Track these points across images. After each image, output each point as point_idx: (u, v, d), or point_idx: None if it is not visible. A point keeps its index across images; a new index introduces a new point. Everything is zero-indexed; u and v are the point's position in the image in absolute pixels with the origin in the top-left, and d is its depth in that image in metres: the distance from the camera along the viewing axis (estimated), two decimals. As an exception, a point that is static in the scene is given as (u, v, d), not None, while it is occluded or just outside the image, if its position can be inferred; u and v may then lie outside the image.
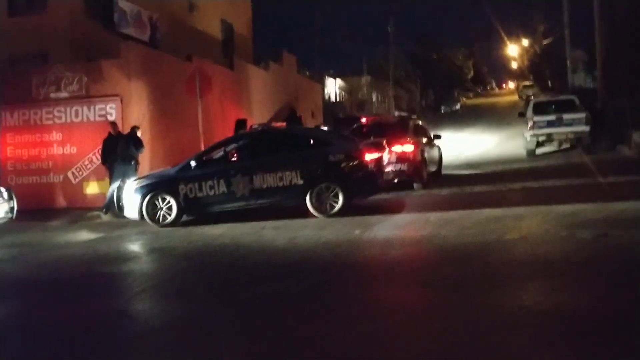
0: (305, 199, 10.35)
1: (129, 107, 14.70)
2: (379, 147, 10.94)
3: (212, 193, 10.65)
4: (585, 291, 5.25)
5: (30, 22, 16.85)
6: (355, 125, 15.51)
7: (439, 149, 16.12)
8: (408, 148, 12.93)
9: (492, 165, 17.97)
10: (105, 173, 13.63)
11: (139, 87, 14.99)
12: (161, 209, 10.82)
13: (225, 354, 4.55)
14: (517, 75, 72.08)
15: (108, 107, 14.63)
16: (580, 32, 29.96)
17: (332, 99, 43.61)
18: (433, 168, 15.00)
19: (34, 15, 17.05)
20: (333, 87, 45.42)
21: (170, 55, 16.62)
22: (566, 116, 19.16)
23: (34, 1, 17.45)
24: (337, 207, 10.24)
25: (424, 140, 14.53)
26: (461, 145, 25.74)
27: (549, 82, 48.01)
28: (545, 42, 43.77)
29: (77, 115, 14.82)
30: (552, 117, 19.29)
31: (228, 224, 10.48)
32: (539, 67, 50.92)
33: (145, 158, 13.99)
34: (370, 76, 49.54)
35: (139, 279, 7.44)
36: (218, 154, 11.38)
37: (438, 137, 16.11)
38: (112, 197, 12.76)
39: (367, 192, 10.92)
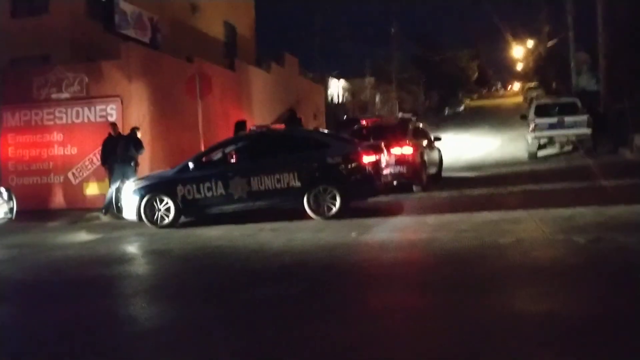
0: (303, 201, 10.35)
1: (130, 108, 14.73)
2: (377, 150, 10.93)
3: (210, 195, 10.67)
4: (581, 294, 5.25)
5: (32, 23, 16.94)
6: (354, 127, 15.51)
7: (439, 151, 16.11)
8: (407, 150, 12.93)
9: (493, 168, 17.97)
10: (105, 174, 13.66)
11: (140, 88, 15.02)
12: (159, 210, 10.86)
13: (225, 354, 4.55)
14: (522, 77, 71.99)
15: (108, 108, 14.68)
16: (584, 34, 29.90)
17: (335, 100, 43.58)
18: (433, 170, 15.00)
19: (35, 17, 17.15)
20: (336, 88, 45.40)
21: (171, 56, 16.65)
22: (568, 119, 19.15)
23: (36, 3, 17.55)
24: (335, 209, 10.24)
25: (424, 142, 14.52)
26: (463, 147, 25.73)
27: (554, 84, 47.91)
28: (549, 43, 43.69)
29: (77, 116, 14.87)
30: (553, 120, 19.29)
31: (226, 225, 10.49)
32: (544, 69, 50.83)
33: (145, 159, 14.02)
34: (373, 77, 49.50)
35: (137, 280, 7.45)
36: (216, 155, 11.41)
37: (438, 139, 16.10)
38: (111, 198, 12.79)
39: (365, 194, 10.91)
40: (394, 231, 9.14)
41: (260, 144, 11.36)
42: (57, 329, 5.49)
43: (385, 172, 11.20)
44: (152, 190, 10.91)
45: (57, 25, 16.69)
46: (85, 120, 14.80)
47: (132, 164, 12.93)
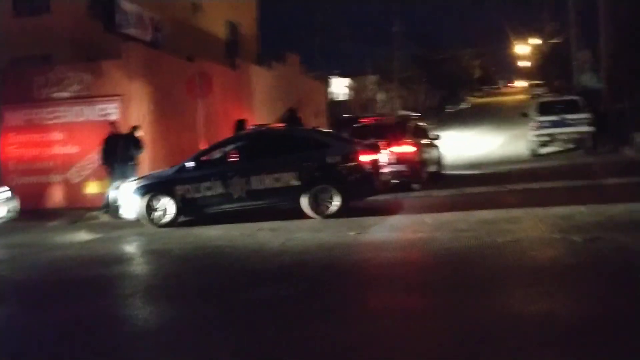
0: (302, 200, 10.35)
1: (130, 107, 14.75)
2: (376, 149, 10.92)
3: (209, 194, 10.67)
4: (580, 294, 5.25)
5: (33, 23, 16.97)
6: (354, 126, 15.51)
7: (439, 149, 16.10)
8: (407, 149, 12.94)
9: (494, 166, 17.96)
10: (105, 173, 13.68)
11: (140, 88, 15.04)
12: (158, 209, 10.86)
13: (225, 354, 4.55)
14: (525, 75, 71.86)
15: (109, 108, 14.70)
16: (586, 32, 29.88)
17: (337, 99, 43.55)
18: (433, 169, 14.99)
19: (36, 16, 17.18)
20: (338, 87, 45.38)
21: (172, 56, 16.66)
22: (569, 117, 19.15)
23: (37, 2, 17.58)
24: (334, 208, 10.24)
25: (424, 140, 14.52)
26: (464, 145, 25.70)
27: (556, 82, 47.82)
28: (552, 41, 43.60)
29: (78, 115, 14.91)
30: (555, 118, 19.29)
31: (225, 225, 10.49)
32: (546, 67, 50.74)
33: (146, 158, 14.03)
34: (375, 76, 49.44)
35: (137, 280, 7.47)
36: (216, 155, 11.41)
37: (437, 137, 16.08)
38: (111, 197, 12.79)
39: (364, 193, 10.90)
40: (393, 230, 9.14)
41: (260, 143, 11.35)
42: (57, 329, 5.50)
43: (385, 170, 11.19)
44: (152, 189, 10.91)
45: (58, 24, 16.73)
46: (86, 119, 14.83)
47: (132, 163, 12.95)
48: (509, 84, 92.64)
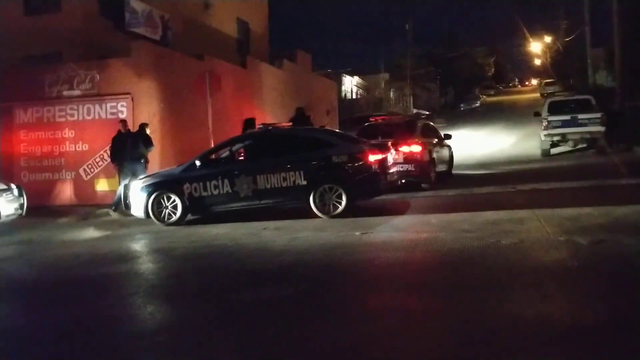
0: (308, 199, 10.35)
1: (140, 105, 14.84)
2: (384, 148, 10.88)
3: (216, 193, 10.71)
4: (581, 295, 5.23)
5: (44, 21, 17.10)
6: (363, 125, 15.44)
7: (450, 148, 16.01)
8: (415, 148, 12.87)
9: (505, 165, 17.84)
10: (115, 171, 13.78)
11: (150, 86, 15.11)
12: (166, 207, 10.94)
13: (225, 354, 4.57)
14: (539, 73, 71.32)
15: (119, 105, 14.82)
16: (601, 30, 29.63)
17: (349, 97, 43.50)
18: (443, 168, 14.91)
19: (47, 15, 17.31)
20: (350, 85, 45.32)
21: (182, 54, 16.71)
22: (581, 116, 18.95)
23: (48, 1, 17.71)
24: (340, 208, 10.23)
25: (434, 140, 14.44)
26: (477, 144, 25.56)
27: (571, 80, 47.46)
28: (567, 39, 43.25)
29: (88, 113, 15.04)
30: (567, 117, 19.10)
31: (231, 223, 10.53)
32: (561, 65, 50.35)
33: (155, 156, 14.10)
34: (387, 74, 49.33)
35: (139, 279, 7.48)
36: (223, 153, 11.44)
37: (448, 137, 15.99)
38: (120, 195, 12.90)
39: (371, 193, 10.87)
40: (397, 231, 9.09)
41: (267, 142, 11.36)
42: (57, 328, 5.53)
43: (393, 170, 11.15)
44: (160, 187, 10.98)
45: (69, 23, 16.83)
46: (96, 117, 14.96)
47: (142, 161, 13.03)
48: (525, 82, 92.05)
